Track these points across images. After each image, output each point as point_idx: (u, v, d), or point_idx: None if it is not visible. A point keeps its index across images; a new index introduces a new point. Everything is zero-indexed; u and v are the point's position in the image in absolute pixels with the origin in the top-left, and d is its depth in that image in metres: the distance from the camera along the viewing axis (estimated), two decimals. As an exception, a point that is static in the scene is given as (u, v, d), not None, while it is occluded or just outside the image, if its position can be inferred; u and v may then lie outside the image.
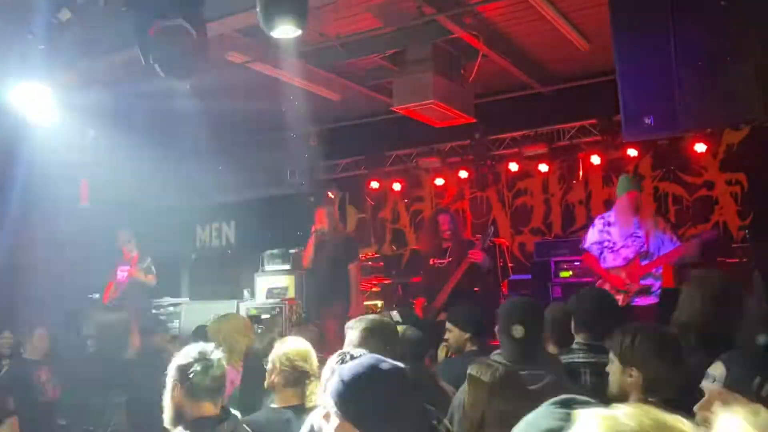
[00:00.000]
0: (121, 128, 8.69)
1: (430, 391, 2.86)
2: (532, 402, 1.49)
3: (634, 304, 5.01)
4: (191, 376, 2.65)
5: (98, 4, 3.87)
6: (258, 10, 3.74)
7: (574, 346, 3.05)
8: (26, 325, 5.59)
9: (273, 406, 3.13)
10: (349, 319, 3.45)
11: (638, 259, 5.06)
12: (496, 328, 2.92)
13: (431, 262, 6.05)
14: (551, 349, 3.23)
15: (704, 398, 1.97)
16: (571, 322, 3.16)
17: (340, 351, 2.41)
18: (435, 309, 5.74)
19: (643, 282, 5.04)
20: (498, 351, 2.87)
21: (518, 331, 2.76)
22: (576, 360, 2.97)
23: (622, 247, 5.16)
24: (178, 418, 2.68)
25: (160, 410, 2.74)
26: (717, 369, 1.99)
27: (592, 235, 5.31)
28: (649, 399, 2.26)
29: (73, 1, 3.67)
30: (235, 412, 2.88)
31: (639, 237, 5.11)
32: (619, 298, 4.96)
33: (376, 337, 2.84)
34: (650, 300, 5.07)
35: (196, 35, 3.79)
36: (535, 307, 2.99)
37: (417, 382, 2.72)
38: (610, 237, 5.23)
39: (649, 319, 4.82)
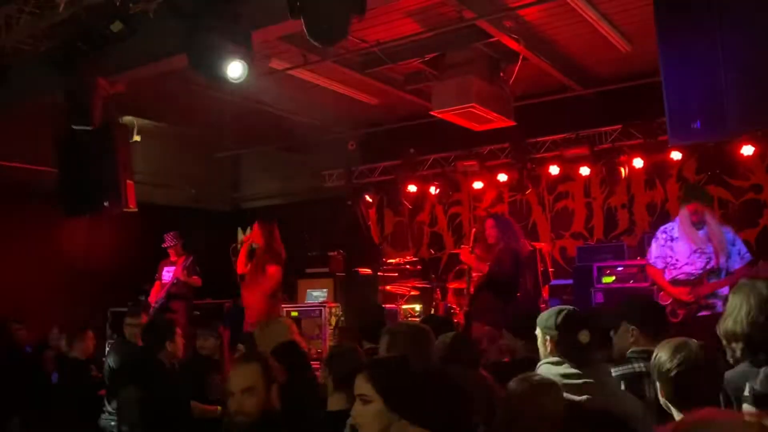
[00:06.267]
0: (165, 132, 8.94)
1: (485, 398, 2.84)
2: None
3: (699, 315, 4.82)
4: None
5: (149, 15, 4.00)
6: (302, 21, 3.80)
7: (631, 354, 3.00)
8: (76, 326, 5.83)
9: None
10: None
11: (705, 276, 4.88)
12: (551, 336, 2.87)
13: None
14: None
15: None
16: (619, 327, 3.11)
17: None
18: None
19: (707, 301, 4.84)
20: (550, 360, 2.84)
21: (585, 336, 2.77)
22: (637, 370, 2.93)
23: (686, 264, 4.97)
24: None
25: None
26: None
27: (655, 249, 5.15)
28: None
29: (124, 12, 3.81)
30: None
31: (705, 253, 4.91)
32: (681, 312, 4.84)
33: (400, 343, 2.98)
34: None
35: (242, 46, 3.88)
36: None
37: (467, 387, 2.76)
38: (673, 254, 5.05)
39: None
